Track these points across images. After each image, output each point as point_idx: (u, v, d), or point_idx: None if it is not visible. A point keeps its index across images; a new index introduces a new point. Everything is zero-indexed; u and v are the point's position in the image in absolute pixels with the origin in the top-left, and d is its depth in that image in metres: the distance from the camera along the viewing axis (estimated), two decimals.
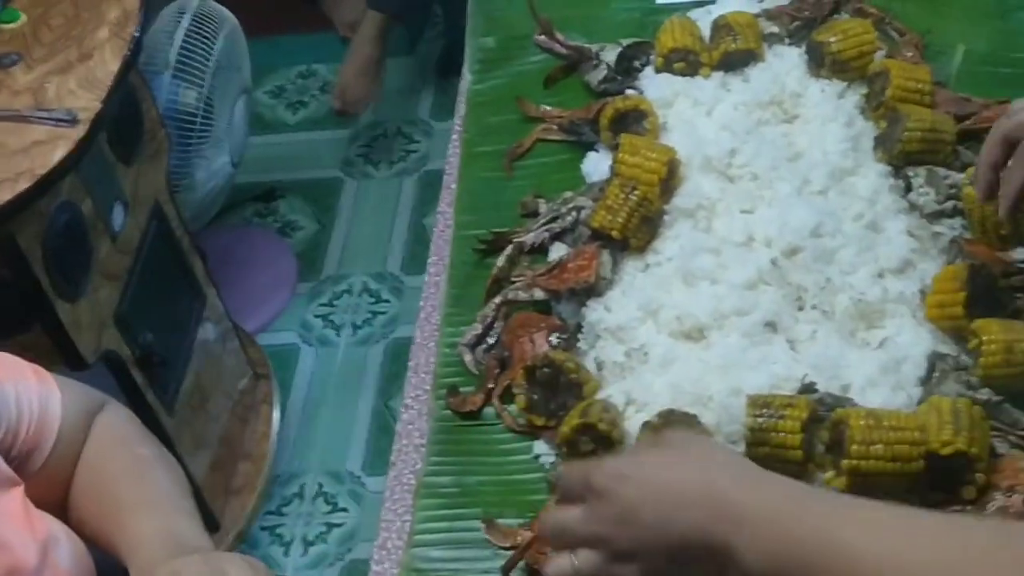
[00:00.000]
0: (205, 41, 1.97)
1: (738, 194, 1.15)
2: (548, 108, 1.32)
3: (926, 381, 0.99)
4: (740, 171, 1.18)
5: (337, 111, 2.61)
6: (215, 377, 1.90)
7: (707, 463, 0.73)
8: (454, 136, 1.34)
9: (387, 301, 2.42)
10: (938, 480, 0.91)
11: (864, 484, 0.90)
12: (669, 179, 1.16)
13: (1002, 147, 0.96)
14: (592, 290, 1.09)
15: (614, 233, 1.10)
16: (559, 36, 1.37)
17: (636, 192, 1.11)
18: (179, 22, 1.95)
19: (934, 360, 1.00)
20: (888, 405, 0.97)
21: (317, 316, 2.41)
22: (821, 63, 1.25)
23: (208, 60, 1.96)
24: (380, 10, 2.53)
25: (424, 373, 1.10)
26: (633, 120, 1.23)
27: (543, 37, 1.38)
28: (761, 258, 1.08)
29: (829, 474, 0.92)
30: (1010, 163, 0.95)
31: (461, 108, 1.36)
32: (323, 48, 2.90)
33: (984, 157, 0.98)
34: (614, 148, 1.19)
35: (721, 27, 1.30)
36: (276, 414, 2.10)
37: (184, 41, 1.94)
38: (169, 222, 1.72)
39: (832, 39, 1.24)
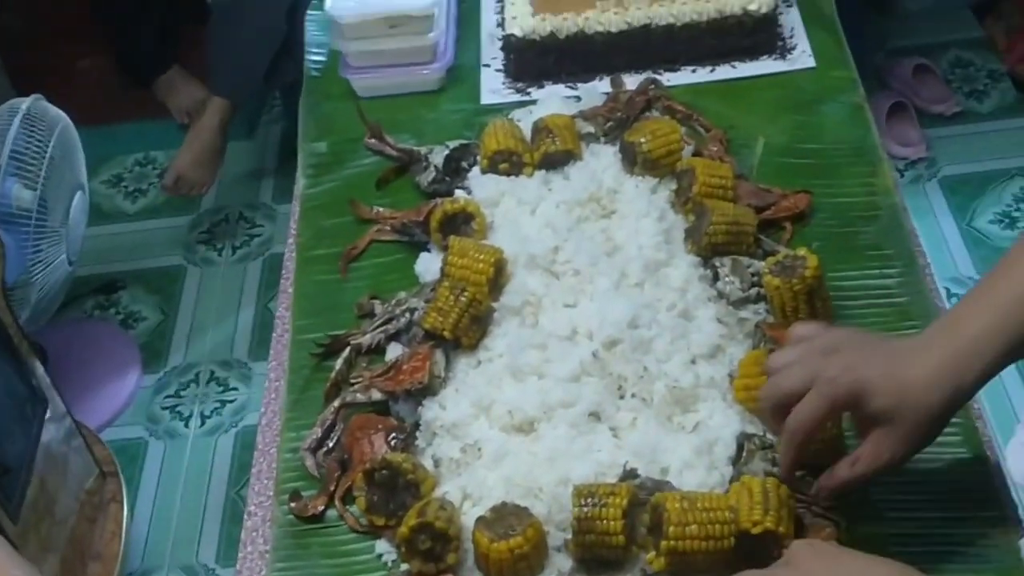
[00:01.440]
0: (38, 141, 1.96)
1: (562, 289, 1.23)
2: (381, 209, 1.38)
3: (736, 460, 1.07)
4: (563, 267, 1.25)
5: (166, 191, 2.62)
6: (60, 479, 1.87)
7: None
8: (290, 240, 1.38)
9: (235, 389, 2.42)
10: (749, 555, 0.98)
11: (682, 562, 0.98)
12: (497, 278, 1.23)
13: (780, 418, 0.99)
14: (427, 389, 1.14)
15: (445, 333, 1.16)
16: (389, 139, 1.44)
17: (465, 293, 1.17)
18: (10, 123, 1.94)
19: (742, 440, 1.08)
20: (703, 485, 1.05)
21: (164, 408, 2.39)
22: (634, 161, 1.34)
23: (42, 159, 1.96)
24: (227, 96, 2.56)
25: (267, 479, 1.13)
26: (461, 221, 1.30)
27: (373, 140, 1.44)
28: (584, 351, 1.15)
29: (651, 555, 0.99)
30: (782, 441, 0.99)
31: (295, 211, 1.41)
32: (160, 134, 2.92)
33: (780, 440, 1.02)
34: (445, 249, 1.26)
35: (541, 129, 1.38)
36: (125, 511, 2.07)
37: (16, 142, 1.93)
38: (6, 328, 1.70)
39: (642, 140, 1.33)
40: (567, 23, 1.50)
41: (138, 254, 2.72)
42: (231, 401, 2.39)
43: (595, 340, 1.16)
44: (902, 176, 2.66)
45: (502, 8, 1.57)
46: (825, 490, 1.00)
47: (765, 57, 1.53)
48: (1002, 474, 1.06)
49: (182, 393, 2.42)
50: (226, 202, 2.84)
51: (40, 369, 1.82)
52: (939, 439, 0.96)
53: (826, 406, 0.95)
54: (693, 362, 1.15)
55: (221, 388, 2.42)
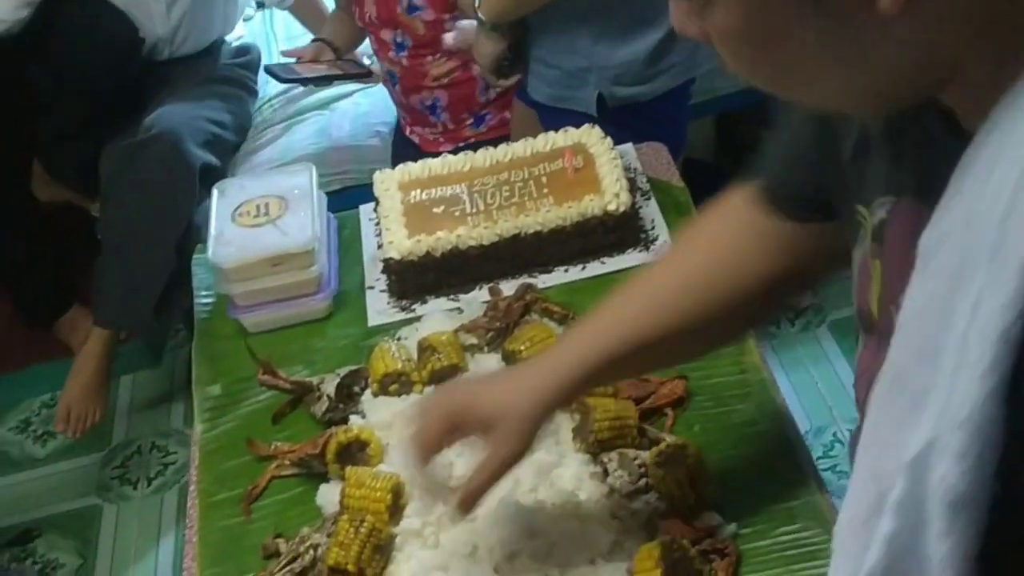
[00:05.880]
0: None
1: None
2: (279, 444, 1.41)
3: None
4: (459, 482, 1.27)
5: (61, 432, 2.62)
6: None
7: None
8: (191, 488, 1.40)
9: None
10: None
11: None
12: (396, 502, 1.26)
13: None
14: None
15: (349, 567, 1.18)
16: (281, 374, 1.48)
17: (364, 524, 1.20)
18: None
19: None
20: None
21: None
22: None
23: None
24: (111, 327, 2.60)
25: None
26: (357, 449, 1.33)
27: (266, 376, 1.48)
28: (486, 567, 1.18)
29: None
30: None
31: (195, 457, 1.43)
32: (65, 375, 2.90)
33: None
34: (343, 479, 1.29)
35: (425, 348, 1.44)
36: None
37: None
38: None
39: (522, 347, 1.40)
40: (441, 241, 1.57)
41: (51, 499, 2.69)
42: None
43: (496, 554, 1.19)
44: (792, 325, 2.77)
45: (380, 232, 1.65)
46: (470, 497, 1.11)
47: (631, 250, 1.61)
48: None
49: None
50: (137, 434, 2.83)
51: None
52: None
53: (440, 415, 1.11)
54: (593, 562, 1.19)
55: None
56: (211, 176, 2.43)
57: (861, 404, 0.89)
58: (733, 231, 1.09)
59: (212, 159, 2.49)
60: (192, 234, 2.43)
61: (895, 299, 0.77)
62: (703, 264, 1.10)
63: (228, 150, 2.63)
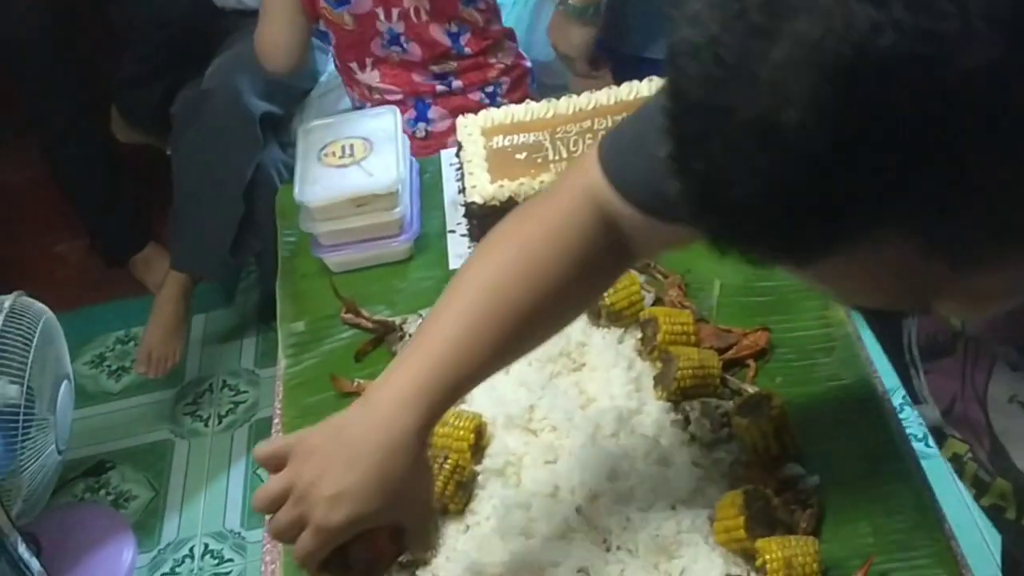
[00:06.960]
0: (23, 336, 2.01)
1: (541, 447, 1.27)
2: (362, 382, 1.42)
3: None
4: (540, 424, 1.30)
5: (142, 374, 2.67)
6: None
7: None
8: (276, 420, 1.42)
9: (230, 560, 2.42)
10: None
11: None
12: (478, 442, 1.27)
13: None
14: (419, 560, 1.17)
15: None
16: (364, 312, 1.50)
17: (448, 461, 1.21)
18: None
19: None
20: None
21: None
22: (599, 315, 1.41)
23: (26, 355, 2.00)
24: (188, 271, 2.65)
25: None
26: None
27: (349, 315, 1.50)
28: (567, 507, 1.19)
29: None
30: None
31: (279, 391, 1.45)
32: (139, 311, 2.94)
33: None
34: None
35: None
36: None
37: (0, 339, 1.98)
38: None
39: (605, 295, 1.40)
40: (524, 187, 1.57)
41: (125, 432, 2.75)
42: (227, 573, 2.40)
43: (577, 495, 1.20)
44: None
45: (461, 177, 1.65)
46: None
47: None
48: None
49: (177, 569, 2.42)
50: (209, 371, 2.88)
51: (36, 564, 1.84)
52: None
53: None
54: (673, 508, 1.19)
55: (216, 560, 2.43)
56: (275, 124, 2.44)
57: (980, 426, 0.89)
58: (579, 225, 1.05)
59: (274, 108, 2.52)
60: (261, 179, 2.47)
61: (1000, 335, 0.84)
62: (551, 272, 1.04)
63: (293, 97, 2.63)
